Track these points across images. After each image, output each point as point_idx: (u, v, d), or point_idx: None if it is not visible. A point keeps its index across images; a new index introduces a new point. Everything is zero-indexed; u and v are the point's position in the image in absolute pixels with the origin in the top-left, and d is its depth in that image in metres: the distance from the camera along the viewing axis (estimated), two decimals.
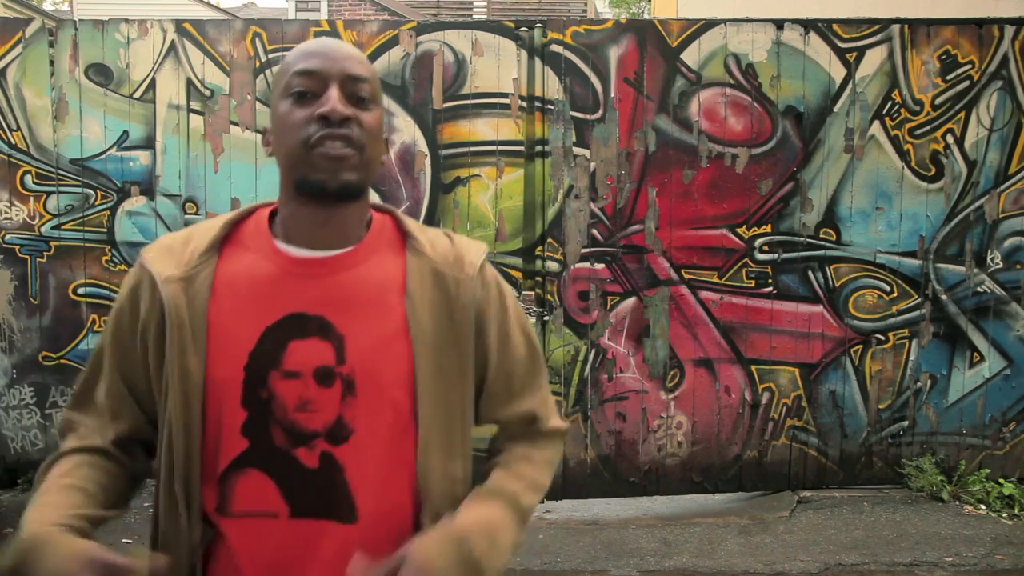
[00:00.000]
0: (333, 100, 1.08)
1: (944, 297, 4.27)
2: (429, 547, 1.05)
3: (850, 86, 4.16)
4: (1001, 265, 4.27)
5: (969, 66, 4.18)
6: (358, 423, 1.10)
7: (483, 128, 4.13)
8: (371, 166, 1.14)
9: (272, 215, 1.19)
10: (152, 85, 4.14)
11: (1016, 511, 4.10)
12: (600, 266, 4.16)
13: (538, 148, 4.14)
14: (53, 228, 4.20)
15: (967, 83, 4.19)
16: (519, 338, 1.24)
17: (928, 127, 4.20)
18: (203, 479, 1.11)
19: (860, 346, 4.27)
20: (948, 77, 4.18)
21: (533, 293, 4.16)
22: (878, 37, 4.16)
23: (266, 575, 1.11)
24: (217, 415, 1.10)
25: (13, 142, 4.16)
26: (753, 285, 4.21)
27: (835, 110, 4.17)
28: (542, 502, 1.24)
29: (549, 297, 4.16)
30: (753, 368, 4.24)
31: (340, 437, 1.10)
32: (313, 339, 1.10)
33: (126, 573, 1.00)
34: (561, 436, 1.31)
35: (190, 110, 4.15)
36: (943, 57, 4.18)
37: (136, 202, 4.19)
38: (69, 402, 1.23)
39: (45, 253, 4.21)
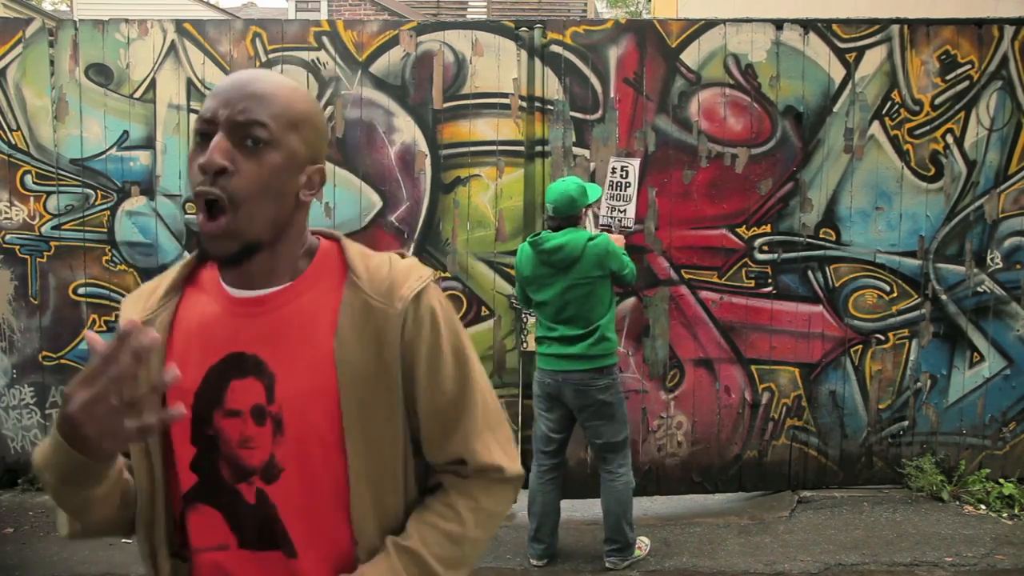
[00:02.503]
0: (211, 150, 1.04)
1: (944, 297, 4.27)
2: None
3: (850, 86, 4.16)
4: (1001, 265, 4.27)
5: (969, 66, 4.18)
6: (288, 462, 1.11)
7: (483, 128, 4.13)
8: (256, 222, 1.06)
9: None
10: (152, 85, 4.14)
11: (1016, 511, 4.10)
12: None
13: (538, 148, 4.14)
14: (53, 228, 4.20)
15: (967, 83, 4.19)
16: (448, 373, 1.15)
17: (928, 127, 4.20)
18: (171, 514, 1.15)
19: (860, 346, 4.27)
20: (948, 77, 4.18)
21: None
22: (878, 37, 4.16)
23: None
24: (172, 452, 1.14)
25: (13, 142, 4.16)
26: (753, 285, 4.21)
27: (835, 110, 4.17)
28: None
29: None
30: (753, 368, 4.24)
31: (272, 476, 1.11)
32: (249, 378, 1.11)
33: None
34: (495, 472, 1.18)
35: (190, 110, 4.15)
36: (943, 57, 4.18)
37: (136, 202, 4.19)
38: None
39: (45, 253, 4.22)
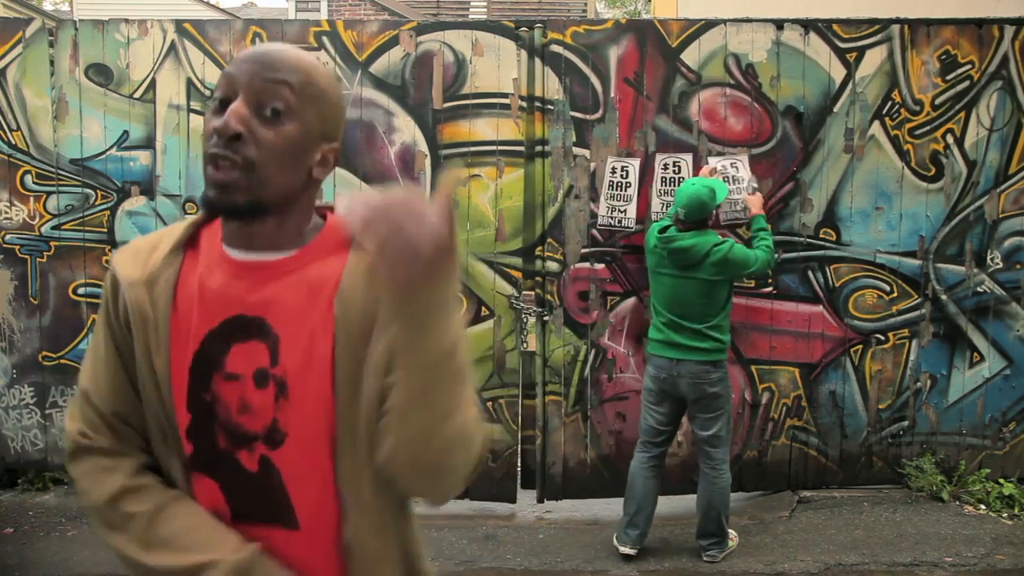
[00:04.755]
0: (228, 114, 1.04)
1: (944, 297, 4.27)
2: None
3: (850, 86, 4.16)
4: (1001, 265, 4.27)
5: (969, 66, 4.18)
6: (291, 426, 1.09)
7: (483, 128, 4.13)
8: (270, 185, 1.07)
9: None
10: (152, 85, 4.14)
11: (1016, 511, 4.10)
12: (600, 266, 4.16)
13: (538, 148, 4.14)
14: (53, 228, 4.20)
15: (967, 83, 4.19)
16: None
17: (928, 127, 4.20)
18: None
19: (860, 346, 4.27)
20: (948, 77, 4.18)
21: (533, 293, 4.16)
22: (878, 37, 4.16)
23: None
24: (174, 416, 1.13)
25: (13, 142, 4.16)
26: (753, 285, 4.21)
27: (835, 110, 4.17)
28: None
29: (549, 297, 4.16)
30: (753, 368, 4.24)
31: (276, 440, 1.09)
32: (253, 341, 1.10)
33: None
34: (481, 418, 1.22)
35: (190, 110, 4.15)
36: (943, 57, 4.18)
37: (136, 202, 4.19)
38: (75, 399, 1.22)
39: (45, 253, 4.22)
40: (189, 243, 1.17)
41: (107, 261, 4.20)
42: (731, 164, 4.08)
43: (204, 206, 1.11)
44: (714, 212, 3.61)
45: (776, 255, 3.71)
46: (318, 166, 1.12)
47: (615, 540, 3.70)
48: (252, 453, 1.10)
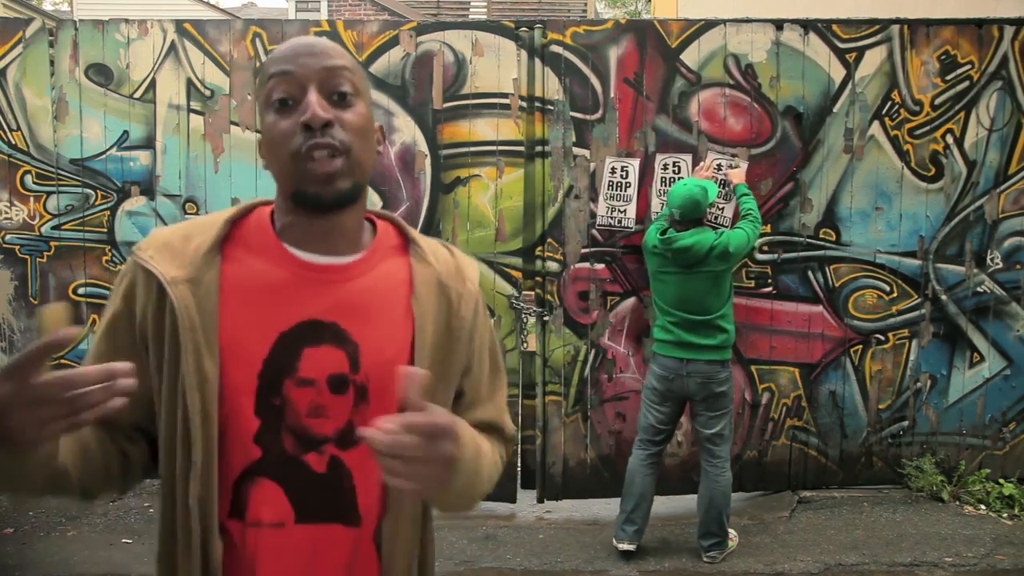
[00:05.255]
0: (312, 105, 1.04)
1: (944, 297, 4.27)
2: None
3: (850, 86, 4.16)
4: (1001, 265, 4.27)
5: (969, 66, 4.18)
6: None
7: (483, 128, 4.13)
8: (363, 166, 1.10)
9: (271, 215, 1.16)
10: (152, 85, 4.14)
11: (1016, 511, 4.10)
12: (600, 266, 4.16)
13: (538, 148, 4.14)
14: (53, 228, 4.20)
15: (967, 83, 4.19)
16: (488, 354, 1.27)
17: (928, 127, 4.20)
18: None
19: (860, 346, 4.27)
20: (948, 77, 4.18)
21: (533, 293, 4.16)
22: (878, 37, 4.16)
23: None
24: (227, 422, 1.07)
25: (13, 142, 4.16)
26: (753, 285, 4.21)
27: (835, 110, 4.17)
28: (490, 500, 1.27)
29: (549, 297, 4.16)
30: (753, 368, 4.24)
31: (350, 441, 1.10)
32: (327, 346, 1.09)
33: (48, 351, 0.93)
34: (513, 440, 1.35)
35: (190, 110, 4.15)
36: (943, 57, 4.18)
37: (136, 202, 4.19)
38: None
39: (45, 253, 4.22)
40: (226, 239, 1.14)
41: (108, 261, 4.20)
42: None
43: (309, 202, 1.08)
44: (708, 209, 3.66)
45: (761, 216, 3.79)
46: (377, 144, 1.17)
47: (613, 538, 3.71)
48: (322, 455, 1.10)
